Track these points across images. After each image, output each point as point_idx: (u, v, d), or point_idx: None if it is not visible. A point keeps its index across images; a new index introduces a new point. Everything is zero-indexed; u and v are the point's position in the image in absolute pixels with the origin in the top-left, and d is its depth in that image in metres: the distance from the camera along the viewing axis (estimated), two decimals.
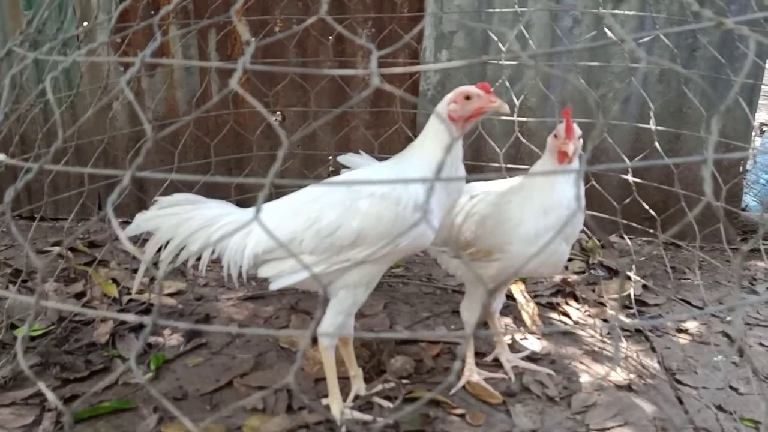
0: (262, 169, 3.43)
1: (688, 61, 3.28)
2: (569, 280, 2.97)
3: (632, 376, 2.24)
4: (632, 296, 2.74)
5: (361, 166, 2.13)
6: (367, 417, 1.96)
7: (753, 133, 3.58)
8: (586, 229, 2.61)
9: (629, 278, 2.82)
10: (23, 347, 0.71)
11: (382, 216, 1.73)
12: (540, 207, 1.93)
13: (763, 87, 3.52)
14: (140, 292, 2.69)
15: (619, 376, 2.25)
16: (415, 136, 1.91)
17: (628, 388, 2.19)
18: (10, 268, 2.88)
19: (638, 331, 2.58)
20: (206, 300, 2.79)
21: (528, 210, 1.94)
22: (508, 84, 2.84)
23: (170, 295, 2.80)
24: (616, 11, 3.20)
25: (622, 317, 2.66)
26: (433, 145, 1.80)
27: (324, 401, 2.01)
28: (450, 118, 1.78)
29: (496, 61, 3.14)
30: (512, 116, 2.58)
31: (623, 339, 2.51)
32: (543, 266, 2.02)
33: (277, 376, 2.20)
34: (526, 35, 3.11)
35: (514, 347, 2.43)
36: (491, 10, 3.28)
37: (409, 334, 2.18)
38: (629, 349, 2.43)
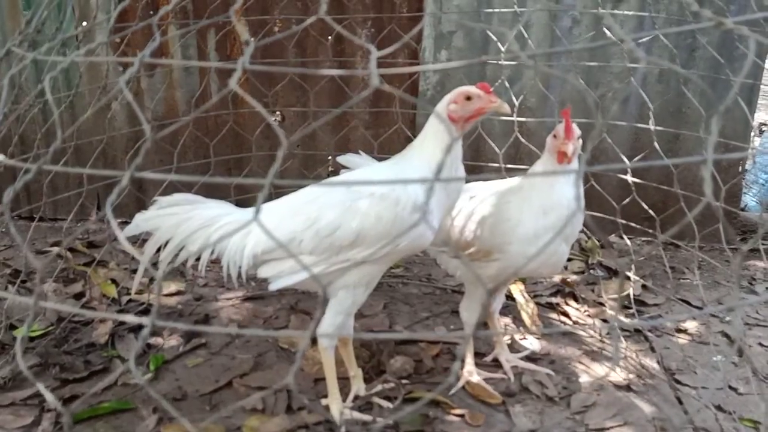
0: (261, 169, 3.43)
1: (688, 61, 3.28)
2: (569, 280, 2.97)
3: (631, 376, 2.24)
4: (631, 296, 2.74)
5: (360, 167, 2.13)
6: (366, 417, 1.96)
7: (752, 133, 3.58)
8: (585, 230, 2.60)
9: (628, 278, 2.82)
10: (22, 348, 0.71)
11: (382, 216, 1.73)
12: (539, 207, 1.93)
13: (762, 87, 3.52)
14: (139, 292, 2.68)
15: (618, 376, 2.25)
16: (415, 137, 1.91)
17: (628, 388, 2.19)
18: (9, 268, 2.88)
19: (637, 331, 2.58)
20: (206, 300, 2.79)
21: (527, 210, 1.94)
22: (507, 84, 2.84)
23: (170, 295, 2.80)
24: (616, 11, 3.20)
25: (622, 317, 2.66)
26: (432, 145, 1.80)
27: (323, 401, 2.01)
28: (450, 119, 1.78)
29: (495, 62, 3.14)
30: (512, 116, 2.58)
31: (622, 339, 2.51)
32: (542, 266, 2.02)
33: (277, 376, 2.20)
34: (525, 35, 3.11)
35: (513, 347, 2.43)
36: (490, 10, 3.28)
37: (408, 335, 2.18)
38: (628, 349, 2.43)
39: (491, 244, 1.99)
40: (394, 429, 1.93)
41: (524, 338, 2.51)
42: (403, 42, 1.05)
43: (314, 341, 1.99)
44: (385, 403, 2.04)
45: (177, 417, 0.68)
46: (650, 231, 2.76)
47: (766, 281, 3.11)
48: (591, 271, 3.13)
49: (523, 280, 2.85)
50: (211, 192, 2.17)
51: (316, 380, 2.18)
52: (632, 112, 3.36)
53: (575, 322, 2.67)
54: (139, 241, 2.46)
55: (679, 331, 2.59)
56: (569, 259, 3.10)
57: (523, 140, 2.86)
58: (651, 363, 2.35)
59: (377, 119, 3.54)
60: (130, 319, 0.69)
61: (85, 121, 3.38)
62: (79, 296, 2.70)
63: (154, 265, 1.97)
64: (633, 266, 2.92)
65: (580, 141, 1.94)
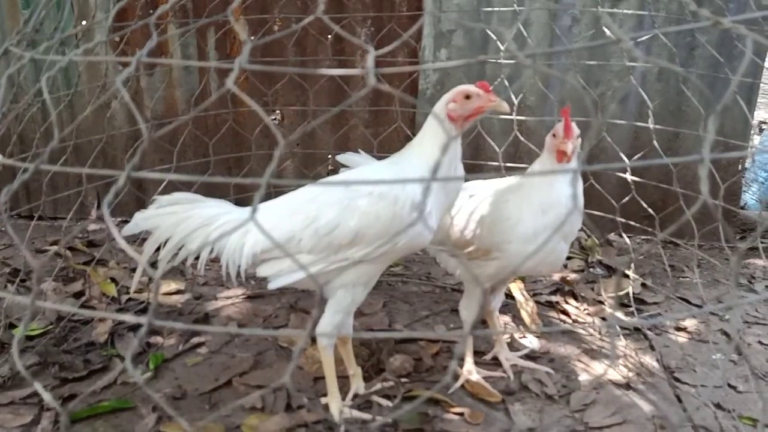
0: (261, 168, 3.43)
1: (687, 60, 3.28)
2: (568, 278, 2.97)
3: (631, 374, 2.25)
4: (631, 294, 2.74)
5: (360, 166, 2.13)
6: (366, 416, 1.96)
7: (752, 132, 3.58)
8: (585, 228, 2.60)
9: (627, 276, 2.82)
10: (19, 347, 0.71)
11: (380, 215, 1.73)
12: (539, 206, 1.93)
13: (762, 85, 3.52)
14: (139, 291, 2.69)
15: (617, 374, 2.25)
16: (415, 135, 1.91)
17: (627, 386, 2.19)
18: (8, 267, 2.88)
19: (637, 329, 2.58)
20: (205, 299, 2.79)
21: (526, 209, 1.94)
22: (506, 83, 2.84)
23: (169, 294, 2.80)
24: (615, 10, 3.20)
25: (621, 316, 2.66)
26: (431, 144, 1.80)
27: (323, 400, 2.01)
28: (449, 118, 1.78)
29: (494, 60, 3.14)
30: (511, 115, 2.58)
31: (622, 337, 2.51)
32: (542, 265, 2.02)
33: (276, 375, 2.20)
34: (525, 34, 3.10)
35: (513, 346, 2.43)
36: (490, 9, 3.28)
37: (407, 333, 2.18)
38: (628, 348, 2.43)
39: (490, 243, 1.99)
40: (394, 427, 1.93)
41: (524, 337, 2.51)
42: (402, 41, 1.05)
43: (314, 340, 2.00)
44: (384, 402, 2.04)
45: (174, 415, 0.68)
46: (650, 229, 2.76)
47: (765, 279, 3.11)
48: (590, 269, 3.13)
49: (523, 279, 2.85)
50: (211, 191, 2.17)
51: (316, 379, 2.19)
52: (632, 111, 3.36)
53: (575, 321, 2.68)
54: (138, 240, 2.46)
55: (679, 329, 2.59)
56: (569, 258, 3.10)
57: (522, 139, 2.86)
58: (650, 361, 2.35)
59: (377, 118, 3.54)
60: (128, 318, 0.69)
61: (85, 120, 3.38)
62: (78, 295, 2.70)
63: (153, 264, 1.97)
64: (632, 265, 2.92)
65: (580, 140, 1.94)
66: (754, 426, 1.99)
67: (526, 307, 2.66)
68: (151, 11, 3.32)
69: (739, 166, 3.43)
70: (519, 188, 2.01)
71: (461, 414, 2.02)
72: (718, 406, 2.07)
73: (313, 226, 1.79)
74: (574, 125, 1.89)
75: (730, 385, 2.20)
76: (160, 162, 3.55)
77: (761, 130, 5.03)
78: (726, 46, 3.17)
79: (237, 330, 0.65)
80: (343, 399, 2.01)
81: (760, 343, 2.50)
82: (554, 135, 1.93)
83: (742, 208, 3.88)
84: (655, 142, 2.56)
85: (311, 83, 3.32)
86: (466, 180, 2.09)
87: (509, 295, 2.71)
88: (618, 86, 3.28)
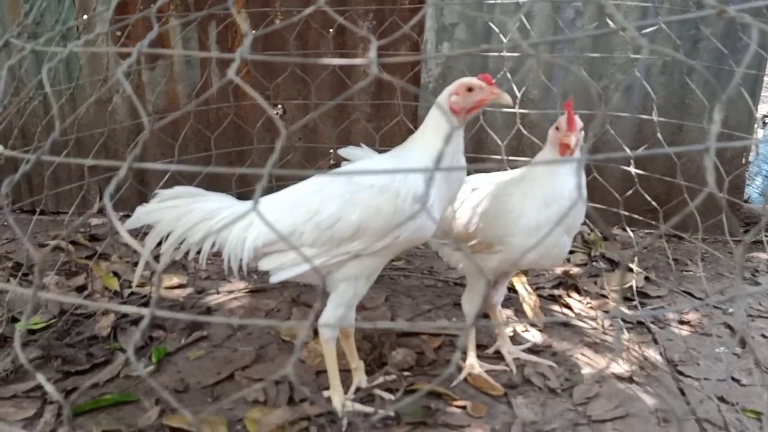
0: (262, 162, 3.43)
1: (691, 53, 3.26)
2: (571, 272, 2.96)
3: (634, 367, 2.24)
4: (634, 288, 2.73)
5: (361, 159, 2.12)
6: (368, 409, 1.96)
7: (755, 125, 3.57)
8: (588, 221, 2.60)
9: (631, 270, 2.81)
10: (22, 340, 0.70)
11: (382, 208, 1.73)
12: (541, 199, 1.92)
13: (766, 78, 3.50)
14: (141, 285, 2.69)
15: (620, 367, 2.24)
16: (416, 129, 1.90)
17: (630, 379, 2.19)
18: (11, 261, 2.88)
19: (640, 323, 2.57)
20: (207, 293, 2.79)
21: (529, 202, 1.93)
22: (509, 76, 2.83)
23: (171, 288, 2.81)
24: (618, 1, 3.18)
25: (624, 309, 2.65)
26: (433, 137, 1.79)
27: (325, 393, 2.01)
28: (451, 110, 1.77)
29: (497, 53, 3.12)
30: (514, 108, 2.57)
31: (625, 331, 2.51)
32: (544, 258, 2.01)
33: (279, 368, 2.20)
34: (528, 27, 3.09)
35: (515, 339, 2.43)
36: (493, 1, 3.26)
37: (409, 325, 2.18)
38: (631, 341, 2.43)
39: (493, 236, 1.99)
40: (396, 420, 1.93)
41: (526, 330, 2.51)
42: (404, 32, 1.04)
43: (316, 333, 1.99)
44: (386, 395, 2.04)
45: (178, 408, 0.68)
46: (653, 223, 2.75)
47: None
48: (593, 263, 3.13)
49: (526, 273, 2.85)
50: (213, 185, 2.17)
51: (318, 372, 2.19)
52: (635, 104, 3.34)
53: (578, 315, 2.67)
54: (140, 234, 2.46)
55: (682, 322, 2.59)
56: (572, 252, 3.10)
57: (525, 132, 2.85)
58: (654, 355, 2.35)
59: (379, 112, 3.53)
60: (130, 309, 0.68)
61: (87, 114, 3.38)
62: (81, 289, 2.70)
63: (156, 258, 1.97)
64: (636, 258, 2.91)
65: (583, 133, 1.93)
66: (757, 419, 1.98)
67: (529, 301, 2.66)
68: (152, 4, 3.30)
69: (743, 160, 3.42)
70: (522, 181, 2.00)
71: (464, 407, 2.02)
72: (721, 399, 2.06)
73: (314, 219, 1.78)
74: (577, 118, 1.88)
75: (733, 379, 2.20)
76: (162, 156, 3.54)
77: (765, 124, 5.01)
78: (730, 38, 3.15)
79: (240, 321, 0.65)
80: (346, 392, 2.01)
81: (764, 336, 2.49)
82: (557, 128, 1.92)
83: (746, 201, 3.87)
84: (659, 135, 2.55)
85: (313, 77, 3.31)
86: (469, 173, 2.09)
87: (512, 289, 2.71)
88: (622, 79, 3.27)
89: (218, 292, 2.80)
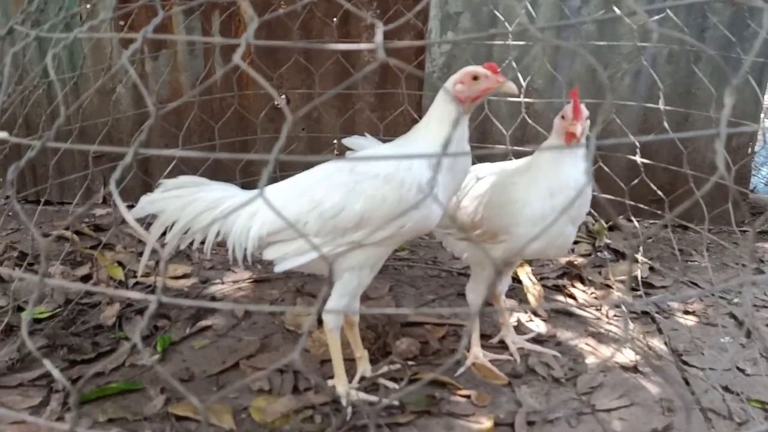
0: (266, 152, 3.42)
1: (698, 41, 3.24)
2: (575, 262, 2.96)
3: (638, 357, 2.24)
4: (639, 278, 2.73)
5: (366, 149, 2.11)
6: (372, 398, 1.97)
7: (761, 115, 3.54)
8: (592, 211, 2.59)
9: (636, 260, 2.80)
10: (28, 328, 0.70)
11: (386, 198, 1.72)
12: (547, 188, 1.91)
13: None
14: (146, 275, 2.69)
15: (625, 357, 2.24)
16: (420, 119, 1.89)
17: (635, 369, 2.19)
18: (16, 251, 2.89)
19: (645, 313, 2.57)
20: (212, 283, 2.80)
21: (534, 191, 1.93)
22: (514, 65, 2.81)
23: (176, 278, 2.81)
24: None
25: (630, 299, 2.65)
26: (438, 126, 1.78)
27: (330, 382, 2.01)
28: (456, 99, 1.76)
29: (502, 42, 3.10)
30: (519, 97, 2.56)
31: (629, 321, 2.50)
32: (549, 248, 2.01)
33: (283, 357, 2.20)
34: (534, 14, 3.07)
35: (519, 329, 2.43)
36: None
37: (413, 311, 2.18)
38: (636, 331, 2.42)
39: (498, 226, 1.98)
40: (401, 409, 1.93)
41: (531, 320, 2.51)
42: (409, 21, 1.03)
43: (320, 323, 2.00)
44: (391, 385, 2.05)
45: (185, 395, 0.68)
46: (659, 212, 2.74)
47: None
48: (598, 253, 3.12)
49: (530, 263, 2.85)
50: (216, 175, 2.16)
51: (322, 362, 2.19)
52: (641, 93, 3.32)
53: (581, 304, 2.67)
54: (144, 224, 2.46)
55: (687, 312, 2.58)
56: (576, 242, 3.09)
57: (530, 122, 2.83)
58: (658, 344, 2.35)
59: (383, 101, 3.52)
60: (137, 296, 0.68)
61: (90, 104, 3.38)
62: (86, 279, 2.71)
63: (161, 247, 1.97)
64: (641, 248, 2.91)
65: (589, 122, 1.91)
66: (762, 409, 1.98)
67: (533, 291, 2.65)
68: None
69: (749, 149, 3.40)
70: (527, 171, 1.99)
71: (468, 396, 2.02)
72: (726, 389, 2.06)
73: (318, 209, 1.78)
74: (583, 107, 1.86)
75: (738, 368, 2.19)
76: (166, 147, 3.54)
77: None
78: (737, 26, 3.12)
79: (247, 306, 0.65)
80: (350, 381, 2.01)
81: None
82: (563, 117, 1.91)
83: (752, 191, 3.85)
84: (665, 124, 2.53)
85: (317, 66, 3.30)
86: (473, 163, 2.08)
87: (516, 279, 2.71)
88: (627, 68, 3.24)
89: (222, 282, 2.80)
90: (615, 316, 2.56)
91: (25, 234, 3.19)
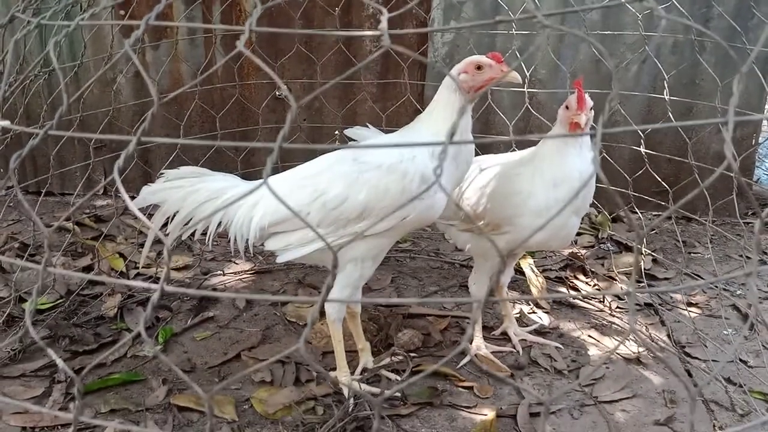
0: (267, 143, 3.40)
1: (703, 32, 3.21)
2: (578, 254, 2.95)
3: (641, 349, 2.24)
4: (642, 270, 2.72)
5: (368, 139, 2.10)
6: (374, 389, 1.96)
7: (766, 107, 3.52)
8: (596, 203, 2.58)
9: (640, 252, 2.80)
10: (31, 318, 0.70)
11: (389, 189, 1.71)
12: (551, 179, 1.90)
13: None
14: (147, 266, 2.69)
15: (627, 349, 2.24)
16: (423, 109, 1.88)
17: (637, 361, 2.18)
18: (17, 242, 2.89)
19: (648, 305, 2.57)
20: (213, 274, 2.79)
21: (539, 182, 1.92)
22: (518, 54, 2.79)
23: (177, 269, 2.81)
24: None
25: (634, 290, 2.64)
26: (441, 116, 1.77)
27: (332, 374, 2.01)
28: (460, 88, 1.75)
29: (506, 31, 3.08)
30: (523, 87, 2.54)
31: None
32: (553, 239, 2.00)
33: (285, 349, 2.20)
34: (537, 4, 3.05)
35: (522, 321, 2.42)
36: None
37: (419, 300, 2.17)
38: (639, 323, 2.42)
39: (501, 217, 1.97)
40: (403, 401, 1.93)
41: (533, 312, 2.50)
42: (411, 10, 1.02)
43: (322, 314, 1.99)
44: (392, 376, 2.04)
45: (189, 385, 0.67)
46: (662, 203, 2.73)
47: None
48: (601, 245, 3.11)
49: (533, 254, 2.84)
50: (217, 166, 2.16)
51: (324, 353, 2.19)
52: (645, 84, 3.31)
53: (585, 297, 2.66)
54: (146, 215, 2.45)
55: (690, 304, 2.57)
56: (579, 234, 3.08)
57: (533, 112, 2.82)
58: (661, 336, 2.34)
59: (385, 92, 3.50)
60: (141, 285, 0.68)
61: (91, 94, 3.36)
62: (87, 270, 2.71)
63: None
64: (644, 240, 2.90)
65: (593, 112, 1.90)
66: (765, 400, 1.98)
67: (536, 283, 2.65)
68: None
69: (753, 141, 3.39)
70: (531, 162, 1.98)
71: (470, 388, 2.02)
72: (728, 380, 2.06)
73: (321, 199, 1.77)
74: (587, 97, 1.85)
75: (741, 360, 2.19)
76: (167, 137, 3.53)
77: None
78: (742, 16, 3.10)
79: (251, 296, 0.64)
80: (352, 373, 2.01)
81: None
82: (567, 107, 1.89)
83: (755, 183, 3.84)
84: (669, 115, 2.51)
85: (318, 56, 3.28)
86: (476, 153, 2.07)
87: (519, 271, 2.70)
88: (632, 58, 3.22)
89: (224, 274, 2.79)
90: (618, 308, 2.56)
91: (26, 225, 3.18)
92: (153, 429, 1.78)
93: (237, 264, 2.88)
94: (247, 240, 1.88)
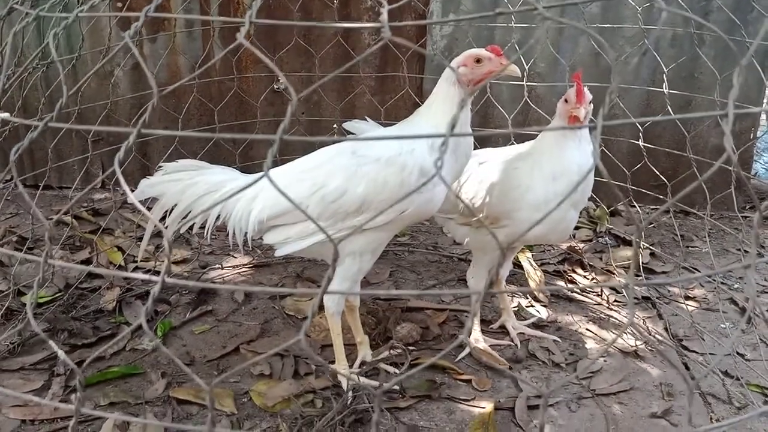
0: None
1: (702, 25, 3.21)
2: (577, 247, 2.95)
3: (638, 342, 2.24)
4: (640, 264, 2.72)
5: (366, 133, 2.10)
6: (373, 382, 1.97)
7: (764, 100, 3.53)
8: (594, 196, 2.58)
9: (638, 245, 2.80)
10: (32, 309, 0.70)
11: (388, 182, 1.71)
12: (549, 172, 1.90)
13: None
14: (145, 260, 2.69)
15: (625, 342, 2.25)
16: (422, 103, 1.87)
17: (635, 354, 2.19)
18: (15, 235, 2.88)
19: (646, 298, 2.57)
20: (211, 268, 2.79)
21: (537, 176, 1.92)
22: (517, 48, 2.79)
23: (176, 263, 2.80)
24: None
25: (633, 284, 2.65)
26: (441, 109, 1.76)
27: (330, 367, 2.01)
28: (459, 82, 1.74)
29: (505, 24, 3.08)
30: (521, 80, 2.54)
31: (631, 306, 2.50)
32: (551, 233, 2.00)
33: (283, 342, 2.21)
34: None
35: (520, 315, 2.43)
36: None
37: (420, 293, 2.18)
38: (636, 317, 2.43)
39: (500, 211, 1.97)
40: (401, 394, 1.94)
41: (531, 306, 2.51)
42: (410, 2, 1.02)
43: (321, 308, 1.99)
44: (391, 369, 2.05)
45: (191, 376, 0.68)
46: (661, 197, 2.73)
47: None
48: (599, 239, 3.12)
49: (531, 248, 2.84)
50: (215, 160, 2.15)
51: (323, 347, 2.19)
52: (644, 78, 3.30)
53: (582, 290, 2.67)
54: (144, 207, 2.45)
55: (687, 298, 2.58)
56: (577, 227, 3.09)
57: (532, 106, 2.82)
58: (659, 330, 2.35)
59: (383, 85, 3.49)
60: (142, 277, 0.68)
61: (88, 88, 3.35)
62: (85, 263, 2.71)
63: (160, 234, 1.96)
64: (642, 234, 2.90)
65: (592, 106, 1.90)
66: (762, 393, 1.99)
67: (534, 276, 2.65)
68: None
69: (751, 134, 3.39)
70: (529, 155, 1.98)
71: (469, 381, 2.03)
72: (726, 373, 2.07)
73: (320, 192, 1.77)
74: (586, 90, 1.85)
75: (738, 354, 2.20)
76: (165, 129, 3.51)
77: None
78: (741, 9, 3.10)
79: (252, 288, 0.64)
80: (351, 366, 2.02)
81: None
82: (566, 100, 1.89)
83: (753, 176, 3.84)
84: (668, 108, 2.51)
85: (317, 49, 3.27)
86: (475, 147, 2.07)
87: (517, 265, 2.71)
88: (631, 51, 3.22)
89: (222, 267, 2.79)
90: (615, 301, 2.56)
91: (24, 218, 3.18)
92: (153, 420, 1.78)
93: (235, 258, 2.88)
94: (246, 233, 1.88)
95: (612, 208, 3.31)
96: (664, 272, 2.79)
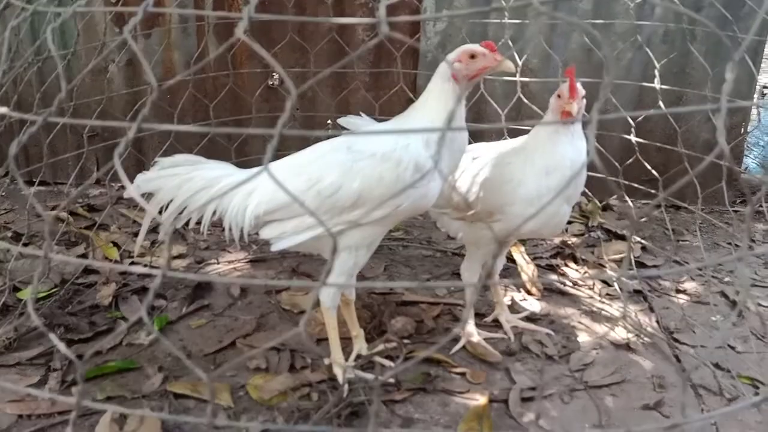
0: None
1: (693, 21, 3.24)
2: (569, 242, 2.98)
3: (630, 335, 2.27)
4: (631, 258, 2.75)
5: (361, 128, 2.11)
6: (368, 376, 1.99)
7: (755, 96, 3.56)
8: (586, 191, 2.60)
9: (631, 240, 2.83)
10: (33, 303, 0.71)
11: (383, 177, 1.73)
12: (542, 167, 1.92)
13: (765, 50, 3.48)
14: (141, 255, 2.69)
15: (617, 335, 2.27)
16: (416, 98, 1.89)
17: (627, 346, 2.21)
18: (10, 231, 2.88)
19: (637, 291, 2.60)
20: (207, 263, 2.80)
21: (530, 171, 1.93)
22: (510, 43, 2.80)
23: (172, 258, 2.81)
24: None
25: (625, 278, 2.68)
26: (435, 104, 1.78)
27: (326, 361, 2.03)
28: (453, 78, 1.76)
29: (498, 20, 3.09)
30: (515, 76, 2.56)
31: (623, 298, 2.53)
32: (544, 227, 2.02)
33: (279, 336, 2.22)
34: None
35: (513, 308, 2.45)
36: None
37: (417, 285, 2.19)
38: (628, 309, 2.45)
39: (493, 205, 1.99)
40: (396, 387, 1.95)
41: (524, 299, 2.53)
42: None
43: (316, 302, 2.01)
44: (386, 363, 2.07)
45: (190, 367, 0.69)
46: (652, 191, 2.76)
47: (765, 242, 3.12)
48: (591, 233, 3.14)
49: (524, 242, 2.86)
50: (210, 156, 2.15)
51: (319, 341, 2.21)
52: (635, 74, 3.33)
53: (575, 284, 2.69)
54: (139, 204, 2.45)
55: (679, 291, 2.61)
56: (569, 222, 3.10)
57: (525, 101, 2.83)
58: (650, 323, 2.38)
59: (378, 81, 3.50)
60: (141, 270, 0.69)
61: (83, 84, 3.34)
62: (81, 259, 2.70)
63: (155, 229, 1.97)
64: (633, 228, 2.93)
65: (584, 101, 1.92)
66: (752, 384, 2.02)
67: (527, 270, 2.68)
68: None
69: (741, 129, 3.42)
70: (522, 150, 2.00)
71: (463, 374, 2.05)
72: (717, 365, 2.09)
73: (315, 187, 1.78)
74: (579, 85, 1.87)
75: (729, 346, 2.23)
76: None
77: (764, 95, 5.00)
78: (733, 6, 3.12)
79: (248, 281, 0.65)
80: (346, 360, 2.03)
81: (760, 305, 2.52)
82: (559, 96, 1.91)
83: (744, 171, 3.88)
84: (660, 103, 2.54)
85: (311, 45, 3.27)
86: (468, 143, 2.08)
87: (510, 259, 2.73)
88: (623, 47, 3.24)
89: (218, 263, 2.80)
90: (607, 294, 2.59)
91: (18, 214, 3.17)
92: (151, 413, 1.80)
93: (231, 253, 2.89)
94: (242, 229, 1.89)
95: (604, 203, 3.34)
96: (655, 266, 2.82)
